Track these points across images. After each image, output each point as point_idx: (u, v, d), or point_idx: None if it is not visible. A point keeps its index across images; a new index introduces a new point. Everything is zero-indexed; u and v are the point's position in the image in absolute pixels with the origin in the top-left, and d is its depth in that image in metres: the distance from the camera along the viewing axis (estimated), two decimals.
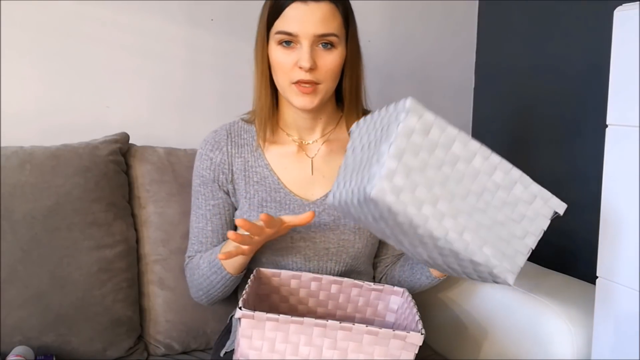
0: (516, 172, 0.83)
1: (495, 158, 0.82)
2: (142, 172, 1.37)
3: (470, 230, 0.81)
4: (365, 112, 1.21)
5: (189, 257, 1.21)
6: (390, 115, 0.82)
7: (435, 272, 1.12)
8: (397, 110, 0.80)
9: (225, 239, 1.18)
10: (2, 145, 1.29)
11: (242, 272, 1.11)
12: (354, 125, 0.94)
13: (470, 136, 0.82)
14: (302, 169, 1.15)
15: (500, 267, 0.83)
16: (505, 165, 0.82)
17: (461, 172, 0.81)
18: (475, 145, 0.81)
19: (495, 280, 0.85)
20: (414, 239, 0.84)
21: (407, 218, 0.78)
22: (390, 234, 0.88)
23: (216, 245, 1.18)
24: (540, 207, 0.84)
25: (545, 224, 0.84)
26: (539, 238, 0.85)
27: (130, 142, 1.40)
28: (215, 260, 1.11)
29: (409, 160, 0.78)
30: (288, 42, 1.04)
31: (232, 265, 1.09)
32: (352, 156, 0.89)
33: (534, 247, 0.85)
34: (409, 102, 0.78)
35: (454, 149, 0.80)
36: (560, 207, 0.84)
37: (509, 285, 0.84)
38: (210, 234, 1.18)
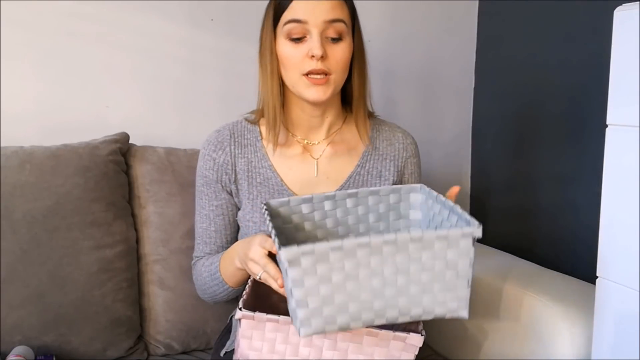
0: (416, 233, 0.81)
1: (390, 236, 0.80)
2: (142, 172, 1.36)
3: (407, 303, 0.82)
4: (371, 114, 1.21)
5: (196, 257, 1.22)
6: (280, 261, 0.82)
7: None
8: (281, 259, 0.79)
9: (228, 239, 1.18)
10: (2, 145, 1.29)
11: (242, 285, 1.12)
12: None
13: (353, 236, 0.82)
14: (307, 170, 1.15)
15: (450, 312, 0.84)
16: (404, 235, 0.80)
17: (371, 268, 0.80)
18: (364, 240, 0.79)
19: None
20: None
21: (347, 329, 0.81)
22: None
23: (220, 246, 1.18)
24: (457, 241, 0.82)
25: (471, 252, 0.83)
26: (472, 264, 0.84)
27: (130, 142, 1.40)
28: (216, 274, 1.13)
29: (317, 292, 0.78)
30: (298, 39, 1.04)
31: (233, 280, 1.11)
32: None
33: (470, 277, 0.84)
34: (283, 254, 0.77)
35: (352, 257, 0.79)
36: (476, 230, 0.82)
37: (465, 318, 0.85)
38: (213, 234, 1.18)
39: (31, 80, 1.44)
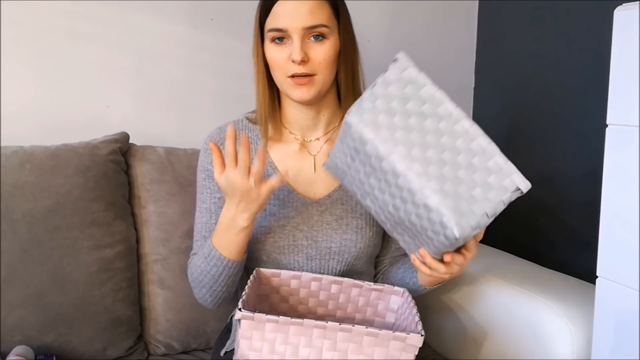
0: (484, 140, 0.87)
1: (467, 122, 0.87)
2: (142, 172, 1.37)
3: (430, 176, 0.85)
4: None
5: (193, 254, 1.19)
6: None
7: (422, 280, 1.11)
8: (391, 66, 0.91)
9: None
10: (2, 144, 1.29)
11: (243, 256, 1.08)
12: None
13: (448, 99, 0.88)
14: (305, 167, 1.15)
15: (448, 217, 0.84)
16: (476, 130, 0.87)
17: (433, 127, 0.88)
18: (462, 113, 0.87)
19: (443, 232, 0.86)
20: (381, 181, 0.90)
21: (375, 148, 0.87)
22: (367, 183, 0.94)
23: None
24: (502, 178, 0.87)
25: (504, 196, 0.86)
26: (497, 208, 0.86)
27: (130, 141, 1.40)
28: (212, 252, 1.07)
29: (383, 105, 0.88)
30: (280, 39, 1.06)
31: (229, 248, 1.05)
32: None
33: (489, 214, 0.86)
34: (400, 54, 0.90)
35: (432, 105, 0.88)
36: (523, 184, 0.87)
37: (455, 237, 0.85)
38: (214, 227, 1.15)
39: (31, 80, 1.44)
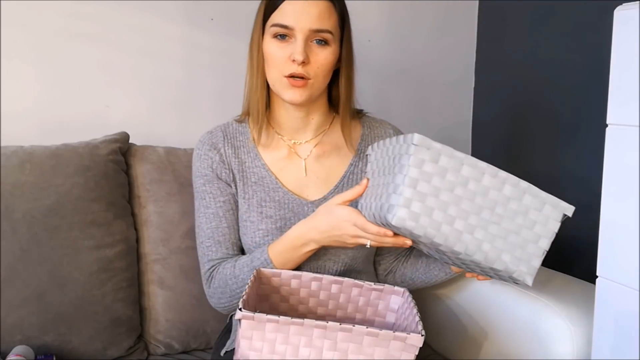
0: (524, 184, 0.90)
1: (503, 174, 0.90)
2: (142, 172, 1.37)
3: (487, 242, 0.89)
4: (355, 113, 1.21)
5: (213, 260, 1.14)
6: (401, 147, 0.90)
7: (455, 268, 1.14)
8: (407, 143, 0.88)
9: (238, 236, 1.15)
10: (2, 144, 1.29)
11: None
12: (369, 149, 1.01)
13: (476, 158, 0.89)
14: (296, 170, 1.16)
15: (518, 272, 0.91)
16: (513, 179, 0.90)
17: (472, 191, 0.89)
18: (483, 165, 0.89)
19: (515, 282, 0.94)
20: (437, 252, 0.95)
21: (428, 239, 0.87)
22: (416, 244, 0.98)
23: (234, 243, 1.14)
24: (549, 212, 0.91)
25: (556, 226, 0.92)
26: (551, 240, 0.92)
27: (130, 141, 1.40)
28: (267, 267, 1.07)
29: (422, 188, 0.86)
30: (283, 36, 1.05)
31: (292, 265, 1.08)
32: (372, 180, 0.98)
33: (547, 249, 0.92)
34: (416, 138, 0.86)
35: (463, 171, 0.88)
36: (569, 209, 0.92)
37: (529, 285, 0.92)
38: (227, 230, 1.14)
39: (31, 80, 1.44)
